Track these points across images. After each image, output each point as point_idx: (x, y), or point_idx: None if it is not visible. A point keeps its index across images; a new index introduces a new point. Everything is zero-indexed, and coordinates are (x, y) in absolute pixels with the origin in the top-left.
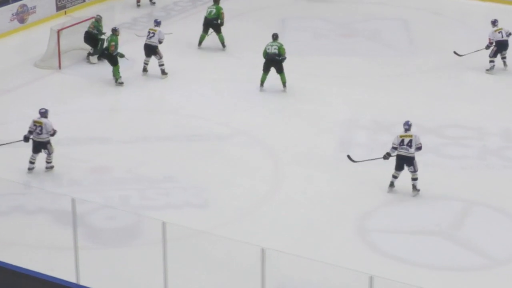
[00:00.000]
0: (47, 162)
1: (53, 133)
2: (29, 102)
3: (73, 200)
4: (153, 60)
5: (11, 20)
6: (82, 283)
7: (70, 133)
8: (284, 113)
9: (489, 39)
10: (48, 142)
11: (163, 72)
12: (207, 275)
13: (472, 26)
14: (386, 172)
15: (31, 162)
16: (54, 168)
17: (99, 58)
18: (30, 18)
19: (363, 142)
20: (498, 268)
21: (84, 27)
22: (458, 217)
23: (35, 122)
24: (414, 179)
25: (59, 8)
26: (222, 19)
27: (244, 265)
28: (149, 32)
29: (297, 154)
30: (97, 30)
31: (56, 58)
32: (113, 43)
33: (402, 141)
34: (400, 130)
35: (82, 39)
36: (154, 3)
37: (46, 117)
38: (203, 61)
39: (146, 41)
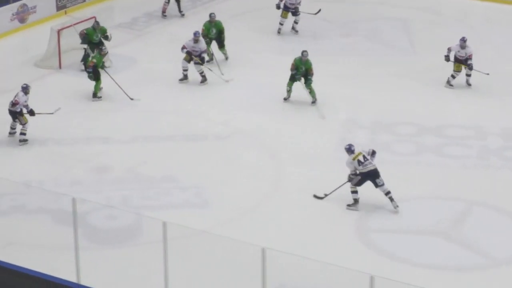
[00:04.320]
0: (21, 134)
1: (25, 107)
2: (29, 101)
3: (73, 200)
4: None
5: (11, 20)
6: (82, 282)
7: (70, 133)
8: (284, 113)
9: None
10: (20, 113)
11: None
12: (207, 275)
13: (471, 26)
14: (386, 172)
15: (12, 128)
16: (27, 142)
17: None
18: (31, 18)
19: (363, 142)
20: (498, 268)
21: (84, 26)
22: (458, 217)
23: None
24: (388, 193)
25: (59, 8)
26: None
27: (245, 265)
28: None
29: (297, 154)
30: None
31: (57, 58)
32: (94, 61)
33: (358, 161)
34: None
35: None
36: (183, 15)
37: (24, 92)
38: None
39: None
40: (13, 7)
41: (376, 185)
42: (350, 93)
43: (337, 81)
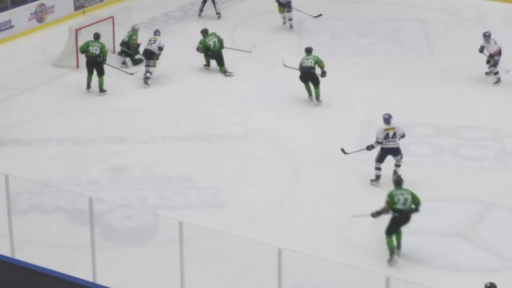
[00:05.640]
0: None
1: None
2: (46, 101)
3: (90, 199)
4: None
5: (29, 19)
6: (99, 282)
7: (87, 132)
8: (300, 113)
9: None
10: None
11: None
12: (223, 275)
13: (489, 27)
14: (402, 173)
15: None
16: None
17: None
18: (49, 18)
19: None
20: None
21: (102, 26)
22: (475, 219)
23: None
24: (399, 165)
25: (77, 7)
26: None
27: (261, 265)
28: (149, 39)
29: (313, 155)
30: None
31: (74, 57)
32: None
33: (387, 134)
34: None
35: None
36: (219, 16)
37: None
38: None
39: (146, 47)
40: (31, 7)
41: (395, 159)
42: (366, 94)
43: (354, 82)
